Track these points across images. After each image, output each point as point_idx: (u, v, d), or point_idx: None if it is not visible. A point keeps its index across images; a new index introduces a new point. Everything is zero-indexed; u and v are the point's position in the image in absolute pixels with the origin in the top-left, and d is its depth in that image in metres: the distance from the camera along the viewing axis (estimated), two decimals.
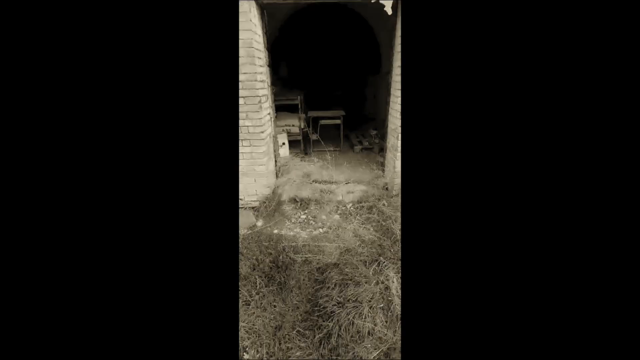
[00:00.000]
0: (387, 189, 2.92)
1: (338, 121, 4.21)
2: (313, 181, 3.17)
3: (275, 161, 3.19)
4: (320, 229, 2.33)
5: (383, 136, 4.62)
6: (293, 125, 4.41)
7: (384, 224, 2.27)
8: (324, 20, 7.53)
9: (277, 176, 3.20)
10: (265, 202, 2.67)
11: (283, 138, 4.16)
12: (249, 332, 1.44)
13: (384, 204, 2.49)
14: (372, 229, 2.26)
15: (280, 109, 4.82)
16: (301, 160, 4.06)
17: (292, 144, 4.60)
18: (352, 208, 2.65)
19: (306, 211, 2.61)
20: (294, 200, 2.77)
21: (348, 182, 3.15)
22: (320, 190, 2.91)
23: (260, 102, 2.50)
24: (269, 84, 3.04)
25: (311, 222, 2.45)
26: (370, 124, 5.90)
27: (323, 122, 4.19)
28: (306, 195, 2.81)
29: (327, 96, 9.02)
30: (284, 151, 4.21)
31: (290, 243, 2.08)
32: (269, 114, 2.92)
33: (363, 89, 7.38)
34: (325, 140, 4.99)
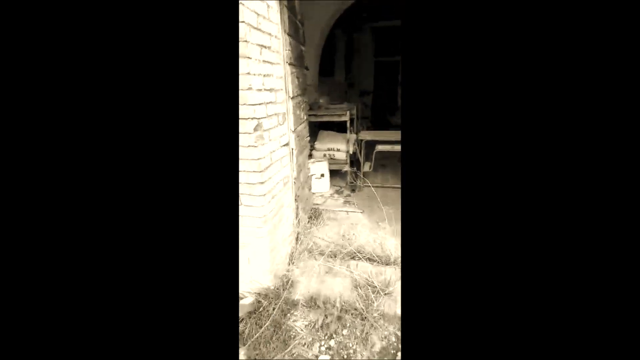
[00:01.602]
0: None
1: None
2: (354, 256, 1.88)
3: (298, 219, 2.00)
4: None
5: None
6: (338, 150, 3.18)
7: None
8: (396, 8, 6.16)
9: (297, 241, 2.00)
10: (262, 304, 1.50)
11: (322, 167, 2.97)
12: None
13: None
14: None
15: (325, 126, 3.65)
16: (344, 202, 2.80)
17: (336, 174, 3.37)
18: None
19: (332, 342, 1.34)
20: (313, 304, 1.53)
21: None
22: (365, 285, 1.61)
23: (259, 128, 1.34)
24: (295, 95, 1.87)
25: None
26: None
27: (381, 147, 2.87)
28: (338, 295, 1.54)
29: (392, 106, 7.57)
30: (323, 185, 3.01)
31: None
32: (286, 144, 1.75)
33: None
34: (383, 170, 3.63)
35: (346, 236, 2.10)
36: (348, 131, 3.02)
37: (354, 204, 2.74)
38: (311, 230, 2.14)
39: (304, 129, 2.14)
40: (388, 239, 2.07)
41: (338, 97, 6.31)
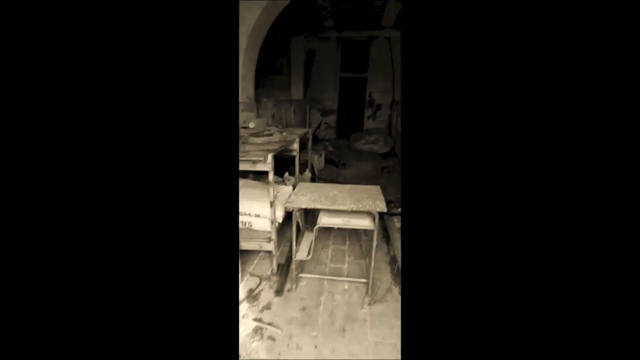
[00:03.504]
0: None
1: (367, 225, 1.59)
2: None
3: None
4: None
5: None
6: (258, 216, 1.87)
7: None
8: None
9: None
10: None
11: None
12: None
13: None
14: None
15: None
16: (254, 330, 1.45)
17: (258, 252, 2.03)
18: None
19: None
20: None
21: None
22: None
23: None
24: None
25: None
26: None
27: (326, 221, 1.61)
28: None
29: (357, 128, 6.49)
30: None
31: None
32: None
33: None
34: (335, 242, 2.11)
35: None
36: (271, 188, 1.72)
37: (271, 337, 1.41)
38: None
39: None
40: None
41: (296, 118, 5.08)
